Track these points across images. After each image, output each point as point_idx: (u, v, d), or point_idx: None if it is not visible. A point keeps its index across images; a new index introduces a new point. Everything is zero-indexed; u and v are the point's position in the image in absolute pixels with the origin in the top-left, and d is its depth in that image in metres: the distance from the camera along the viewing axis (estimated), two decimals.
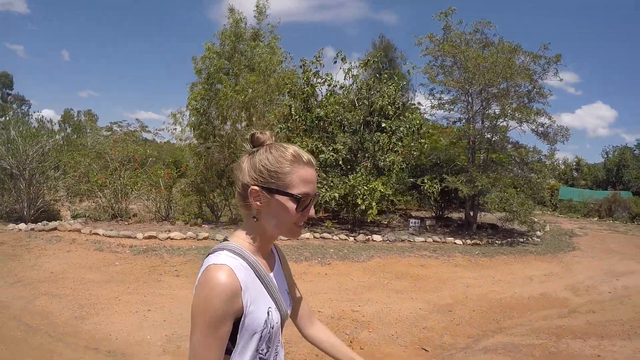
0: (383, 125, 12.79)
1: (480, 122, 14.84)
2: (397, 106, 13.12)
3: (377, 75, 13.79)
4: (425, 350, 4.87)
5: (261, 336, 1.12)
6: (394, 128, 12.76)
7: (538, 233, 15.14)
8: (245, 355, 1.10)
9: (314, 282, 7.51)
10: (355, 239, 11.04)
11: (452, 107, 14.95)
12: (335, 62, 13.58)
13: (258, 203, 1.14)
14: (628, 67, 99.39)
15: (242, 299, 1.06)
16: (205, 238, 10.02)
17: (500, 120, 14.33)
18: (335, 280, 7.67)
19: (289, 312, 1.29)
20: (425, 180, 12.90)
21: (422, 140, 13.18)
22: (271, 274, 1.23)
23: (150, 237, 9.71)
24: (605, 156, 35.40)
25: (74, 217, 11.75)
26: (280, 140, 12.65)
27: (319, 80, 13.32)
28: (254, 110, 12.46)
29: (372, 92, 13.18)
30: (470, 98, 14.39)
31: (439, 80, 14.61)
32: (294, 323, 1.47)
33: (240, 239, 1.19)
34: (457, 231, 14.06)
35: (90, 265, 7.68)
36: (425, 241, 11.69)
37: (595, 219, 24.02)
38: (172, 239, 9.68)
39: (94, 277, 6.98)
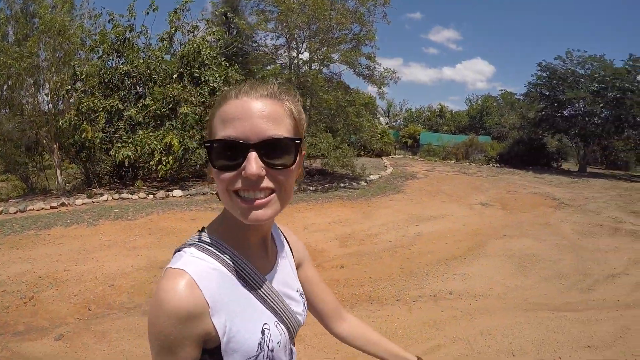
0: (196, 75, 12.07)
1: (309, 67, 14.58)
2: (212, 55, 12.39)
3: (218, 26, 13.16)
4: (89, 309, 4.68)
5: None
6: (206, 78, 12.05)
7: (372, 177, 15.44)
8: None
9: (63, 244, 6.85)
10: (155, 197, 10.40)
11: (277, 53, 14.86)
12: (147, 13, 12.64)
13: (210, 173, 0.81)
14: (505, 26, 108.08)
15: (213, 321, 0.76)
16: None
17: (323, 64, 14.24)
18: (81, 242, 7.01)
19: (302, 320, 0.98)
20: None
21: (217, 87, 12.16)
22: (270, 274, 0.91)
23: None
24: (469, 104, 37.41)
25: None
26: (71, 103, 11.25)
27: (135, 34, 12.41)
28: (47, 74, 11.32)
29: (186, 43, 12.54)
30: (295, 43, 14.17)
31: (264, 27, 14.54)
32: (320, 322, 1.18)
33: (216, 229, 0.87)
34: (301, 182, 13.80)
35: None
36: None
37: (453, 161, 25.34)
38: None
39: None
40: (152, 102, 11.41)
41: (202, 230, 0.89)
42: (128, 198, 10.18)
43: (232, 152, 0.75)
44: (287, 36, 14.66)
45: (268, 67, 15.28)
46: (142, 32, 12.58)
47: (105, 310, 4.69)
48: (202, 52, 12.05)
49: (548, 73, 24.52)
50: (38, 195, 10.82)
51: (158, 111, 11.45)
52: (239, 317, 0.81)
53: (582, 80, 23.61)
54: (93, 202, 9.72)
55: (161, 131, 11.12)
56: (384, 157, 25.77)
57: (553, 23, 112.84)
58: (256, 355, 0.82)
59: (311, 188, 12.47)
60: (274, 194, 0.79)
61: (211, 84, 11.90)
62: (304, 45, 14.68)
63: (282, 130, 0.77)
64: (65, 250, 6.52)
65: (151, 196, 10.40)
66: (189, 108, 11.28)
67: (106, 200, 9.92)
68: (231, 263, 0.83)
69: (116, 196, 10.20)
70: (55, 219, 8.20)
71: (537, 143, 25.55)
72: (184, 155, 11.44)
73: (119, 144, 10.71)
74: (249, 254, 0.88)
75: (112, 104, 11.18)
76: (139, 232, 7.61)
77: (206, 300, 0.76)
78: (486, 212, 11.11)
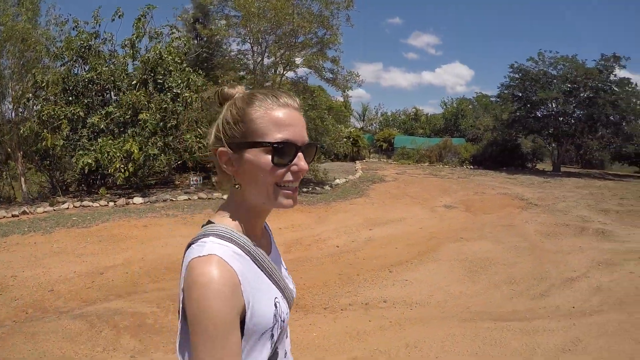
0: (159, 82, 11.82)
1: (274, 71, 14.32)
2: (177, 61, 12.04)
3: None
4: (26, 313, 4.68)
5: (272, 334, 0.89)
6: (169, 85, 11.77)
7: (338, 181, 14.85)
8: (252, 359, 0.86)
9: (16, 252, 6.67)
10: (115, 204, 10.05)
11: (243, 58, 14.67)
12: (113, 19, 12.35)
13: (231, 167, 0.91)
14: (484, 30, 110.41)
15: (243, 295, 0.82)
16: None
17: (286, 68, 13.94)
18: (33, 249, 6.74)
19: (295, 296, 1.07)
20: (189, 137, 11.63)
21: (187, 95, 11.74)
22: (270, 256, 1.00)
23: None
24: (445, 107, 37.23)
25: None
26: (35, 112, 10.90)
27: (99, 41, 12.11)
28: (9, 83, 11.23)
29: (149, 50, 12.22)
30: (260, 48, 13.88)
31: (226, 32, 14.16)
32: None
33: (226, 218, 0.93)
34: None
35: None
36: (189, 199, 10.84)
37: (426, 164, 24.88)
38: None
39: None
40: (116, 109, 11.15)
41: (209, 222, 0.94)
42: (89, 206, 9.81)
43: (287, 152, 0.87)
44: (251, 41, 14.28)
45: (233, 73, 14.88)
46: (108, 38, 12.28)
47: (41, 313, 4.66)
48: (164, 59, 11.71)
49: (520, 74, 24.28)
50: (3, 204, 10.40)
51: (122, 118, 11.12)
52: (258, 292, 0.87)
53: (555, 81, 23.40)
54: (54, 210, 9.33)
55: (122, 138, 10.86)
56: (357, 162, 25.20)
57: (530, 25, 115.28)
58: (272, 326, 0.88)
59: None
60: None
61: (174, 90, 11.62)
62: (267, 50, 14.29)
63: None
64: (17, 257, 6.32)
65: (112, 203, 10.03)
66: (147, 115, 10.94)
67: (67, 208, 9.51)
68: (244, 246, 0.89)
69: (77, 204, 9.83)
70: (13, 227, 7.86)
71: (511, 144, 25.26)
72: (145, 162, 11.21)
73: (81, 152, 10.45)
74: (255, 239, 0.95)
75: (73, 111, 10.90)
76: (90, 240, 7.25)
77: (237, 275, 0.81)
78: (448, 215, 10.52)
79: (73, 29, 12.02)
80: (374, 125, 39.68)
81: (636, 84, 25.00)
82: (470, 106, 34.48)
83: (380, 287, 5.45)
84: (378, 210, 10.89)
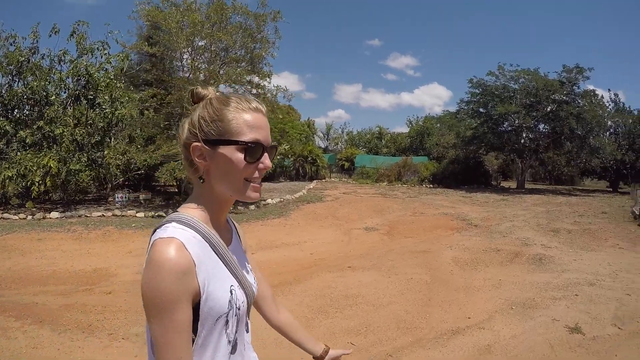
0: (90, 97, 11.77)
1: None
2: (109, 77, 11.89)
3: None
4: None
5: (227, 320, 0.94)
6: (98, 101, 11.73)
7: (270, 201, 13.70)
8: (209, 346, 0.93)
9: None
10: (33, 217, 9.98)
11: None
12: (50, 35, 12.16)
13: (203, 161, 0.98)
14: (461, 52, 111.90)
15: (198, 278, 0.88)
16: None
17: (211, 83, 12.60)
18: None
19: (255, 291, 1.09)
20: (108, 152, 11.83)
21: (119, 111, 11.50)
22: (230, 247, 1.05)
23: None
24: (410, 125, 35.87)
25: None
26: None
27: (38, 55, 12.05)
28: None
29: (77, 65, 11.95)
30: (180, 63, 13.43)
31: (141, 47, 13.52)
32: (256, 308, 1.25)
33: (190, 208, 1.00)
34: (176, 205, 11.90)
35: None
36: (103, 215, 10.55)
37: (385, 183, 23.24)
38: None
39: None
40: (46, 124, 11.08)
41: (175, 211, 0.99)
42: (9, 218, 9.75)
43: (257, 152, 0.96)
44: (183, 56, 13.68)
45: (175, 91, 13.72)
46: (46, 54, 12.18)
47: None
48: (93, 75, 11.58)
49: (481, 89, 22.94)
50: None
51: (51, 133, 11.04)
52: (214, 277, 0.91)
53: (517, 95, 22.07)
54: None
55: (42, 153, 10.83)
56: (314, 181, 23.51)
57: (510, 45, 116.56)
58: (227, 312, 0.93)
59: None
60: None
61: (103, 107, 11.68)
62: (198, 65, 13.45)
63: None
64: None
65: (30, 217, 9.96)
66: (64, 129, 10.97)
67: None
68: (204, 234, 0.94)
69: None
70: None
71: (473, 162, 23.72)
72: (67, 177, 11.03)
73: (6, 165, 10.57)
74: (216, 229, 1.00)
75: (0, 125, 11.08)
76: None
77: (193, 260, 0.87)
78: (361, 239, 8.69)
79: (11, 44, 11.98)
80: (341, 144, 38.19)
81: (602, 96, 23.88)
82: (438, 124, 33.07)
83: None
84: (282, 233, 9.20)
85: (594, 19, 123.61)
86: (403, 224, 10.39)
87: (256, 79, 13.91)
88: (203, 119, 0.96)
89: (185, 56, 13.74)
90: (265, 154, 0.98)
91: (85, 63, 11.65)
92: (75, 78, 11.79)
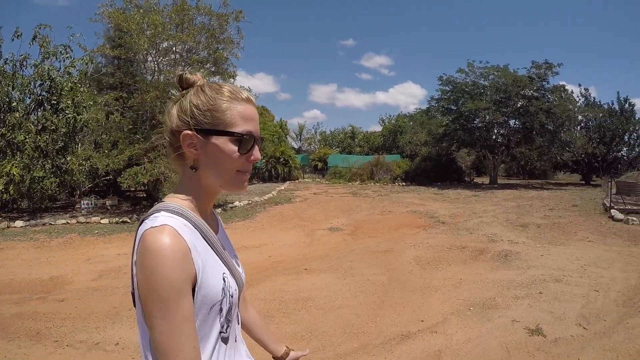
0: (54, 102, 11.54)
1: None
2: (73, 82, 11.76)
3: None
4: None
5: (221, 308, 0.91)
6: (61, 106, 11.45)
7: (238, 204, 13.41)
8: (202, 338, 0.88)
9: None
10: None
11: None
12: (13, 40, 11.87)
13: (193, 150, 0.94)
14: (435, 50, 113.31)
15: (193, 262, 0.85)
16: None
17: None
18: None
19: (244, 280, 1.08)
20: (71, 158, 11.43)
21: (71, 115, 11.27)
22: (217, 236, 1.01)
23: None
24: (383, 124, 35.65)
25: None
26: None
27: (2, 60, 11.70)
28: None
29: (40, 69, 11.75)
30: (143, 66, 13.01)
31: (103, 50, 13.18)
32: None
33: (177, 197, 0.97)
34: (143, 210, 11.93)
35: None
36: (68, 223, 10.29)
37: (357, 182, 22.95)
38: None
39: None
40: (8, 131, 10.76)
41: (160, 200, 0.96)
42: None
43: (249, 143, 0.94)
44: (147, 58, 13.20)
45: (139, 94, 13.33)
46: (9, 58, 11.76)
47: None
48: (56, 80, 11.44)
49: (451, 86, 22.86)
50: None
51: (14, 140, 10.76)
52: (207, 264, 0.88)
53: (487, 91, 22.04)
54: None
55: (5, 160, 10.63)
56: (286, 182, 23.05)
57: (483, 43, 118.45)
58: (221, 300, 0.90)
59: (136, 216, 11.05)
60: None
61: (66, 112, 11.41)
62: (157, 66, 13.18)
63: None
64: None
65: None
66: (25, 136, 10.72)
67: None
68: (194, 222, 0.91)
69: None
70: None
71: (445, 158, 23.63)
72: (30, 184, 10.74)
73: None
74: (203, 218, 0.97)
75: None
76: None
77: (188, 245, 0.84)
78: (323, 240, 8.33)
79: None
80: (314, 145, 37.79)
81: (572, 91, 24.09)
82: (411, 123, 32.96)
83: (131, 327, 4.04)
84: (244, 236, 8.89)
85: (573, 16, 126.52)
86: (369, 223, 10.05)
87: (219, 80, 13.41)
88: (196, 107, 0.93)
89: (149, 58, 13.33)
90: (256, 146, 0.97)
91: (47, 67, 11.50)
92: (39, 83, 11.66)
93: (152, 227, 0.83)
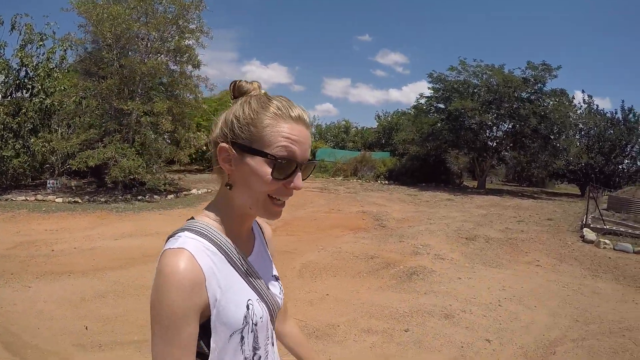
0: (29, 87, 12.65)
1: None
2: (50, 67, 12.86)
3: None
4: None
5: (242, 336, 0.85)
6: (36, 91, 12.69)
7: (195, 192, 13.92)
8: None
9: None
10: None
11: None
12: None
13: (227, 165, 0.87)
14: (451, 51, 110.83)
15: (208, 292, 0.80)
16: None
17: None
18: None
19: (280, 302, 0.99)
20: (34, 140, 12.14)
21: (37, 99, 12.44)
22: (250, 257, 0.94)
23: None
24: (379, 120, 34.81)
25: None
26: None
27: None
28: None
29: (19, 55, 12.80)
30: (112, 54, 12.74)
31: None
32: None
33: (207, 217, 0.90)
34: (102, 192, 12.54)
35: None
36: (26, 199, 10.78)
37: (340, 178, 22.44)
38: None
39: None
40: None
41: (191, 218, 0.91)
42: None
43: (288, 169, 0.83)
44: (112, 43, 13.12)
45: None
46: None
47: None
48: (28, 66, 12.55)
49: (442, 85, 21.92)
50: None
51: None
52: (228, 291, 0.83)
53: (480, 91, 21.05)
54: None
55: None
56: None
57: (492, 46, 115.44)
58: (242, 328, 0.84)
59: (102, 199, 11.49)
60: None
61: (40, 95, 12.45)
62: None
63: None
64: None
65: None
66: None
67: None
68: (220, 244, 0.86)
69: None
70: None
71: (434, 159, 22.78)
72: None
73: None
74: (237, 240, 0.91)
75: None
76: None
77: (203, 272, 0.79)
78: None
79: None
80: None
81: (573, 97, 22.87)
82: (407, 120, 32.05)
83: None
84: (167, 223, 8.78)
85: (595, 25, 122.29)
86: (306, 220, 9.50)
87: (177, 68, 13.99)
88: (237, 119, 0.85)
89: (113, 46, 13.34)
90: (298, 174, 0.85)
91: (20, 55, 12.56)
92: (17, 68, 12.76)
93: (170, 249, 0.79)
